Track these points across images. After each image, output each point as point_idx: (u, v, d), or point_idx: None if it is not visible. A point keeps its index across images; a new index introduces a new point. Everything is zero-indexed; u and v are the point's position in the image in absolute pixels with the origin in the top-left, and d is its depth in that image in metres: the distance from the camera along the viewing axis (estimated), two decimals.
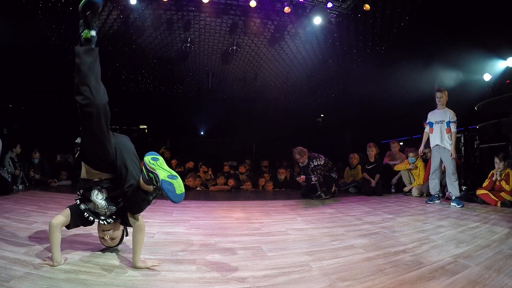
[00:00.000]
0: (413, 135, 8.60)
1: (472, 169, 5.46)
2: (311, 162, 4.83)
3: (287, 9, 5.66)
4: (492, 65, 5.71)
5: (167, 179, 1.42)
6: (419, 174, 5.34)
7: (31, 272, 1.44)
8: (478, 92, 5.90)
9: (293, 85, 9.53)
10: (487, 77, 5.89)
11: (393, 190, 5.80)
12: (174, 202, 1.40)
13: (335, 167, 5.09)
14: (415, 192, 5.18)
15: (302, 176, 4.80)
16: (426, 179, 5.15)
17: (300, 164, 4.97)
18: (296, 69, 8.32)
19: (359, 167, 6.08)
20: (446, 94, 4.30)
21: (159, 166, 1.48)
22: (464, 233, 2.41)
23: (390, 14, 5.68)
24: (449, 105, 4.31)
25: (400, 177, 5.77)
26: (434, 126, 4.32)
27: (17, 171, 5.33)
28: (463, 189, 5.01)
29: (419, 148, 5.89)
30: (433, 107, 4.44)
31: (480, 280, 1.45)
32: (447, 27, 5.54)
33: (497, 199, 3.92)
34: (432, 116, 4.39)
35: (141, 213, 1.68)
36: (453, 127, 4.14)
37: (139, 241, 1.63)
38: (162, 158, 1.56)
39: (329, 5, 5.62)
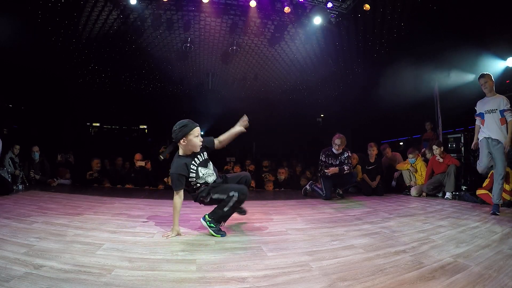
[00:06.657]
0: (413, 135, 8.59)
1: (472, 169, 5.46)
2: (345, 153, 4.70)
3: (287, 9, 5.66)
4: (492, 65, 5.70)
5: None
6: (421, 174, 5.35)
7: (31, 272, 1.44)
8: (478, 92, 5.88)
9: (293, 85, 9.52)
10: None
11: (393, 183, 5.84)
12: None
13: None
14: (413, 192, 5.19)
15: (332, 168, 4.58)
16: (427, 179, 5.16)
17: (334, 151, 4.70)
18: (296, 69, 8.31)
19: (359, 167, 6.07)
20: (491, 78, 3.60)
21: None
22: (464, 233, 2.41)
23: (390, 14, 5.68)
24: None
25: (401, 175, 5.80)
26: (486, 116, 3.62)
27: (17, 171, 5.33)
28: (463, 189, 5.02)
29: (419, 147, 5.89)
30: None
31: (480, 280, 1.45)
32: (447, 27, 5.54)
33: None
34: (481, 106, 3.69)
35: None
36: (508, 116, 3.41)
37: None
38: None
39: (329, 5, 5.62)
